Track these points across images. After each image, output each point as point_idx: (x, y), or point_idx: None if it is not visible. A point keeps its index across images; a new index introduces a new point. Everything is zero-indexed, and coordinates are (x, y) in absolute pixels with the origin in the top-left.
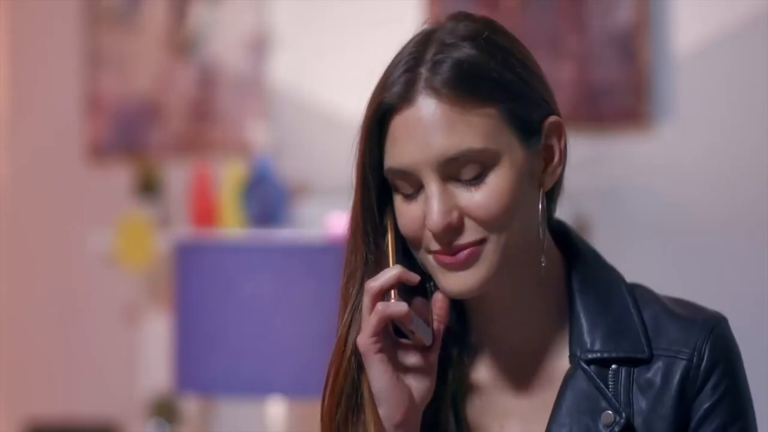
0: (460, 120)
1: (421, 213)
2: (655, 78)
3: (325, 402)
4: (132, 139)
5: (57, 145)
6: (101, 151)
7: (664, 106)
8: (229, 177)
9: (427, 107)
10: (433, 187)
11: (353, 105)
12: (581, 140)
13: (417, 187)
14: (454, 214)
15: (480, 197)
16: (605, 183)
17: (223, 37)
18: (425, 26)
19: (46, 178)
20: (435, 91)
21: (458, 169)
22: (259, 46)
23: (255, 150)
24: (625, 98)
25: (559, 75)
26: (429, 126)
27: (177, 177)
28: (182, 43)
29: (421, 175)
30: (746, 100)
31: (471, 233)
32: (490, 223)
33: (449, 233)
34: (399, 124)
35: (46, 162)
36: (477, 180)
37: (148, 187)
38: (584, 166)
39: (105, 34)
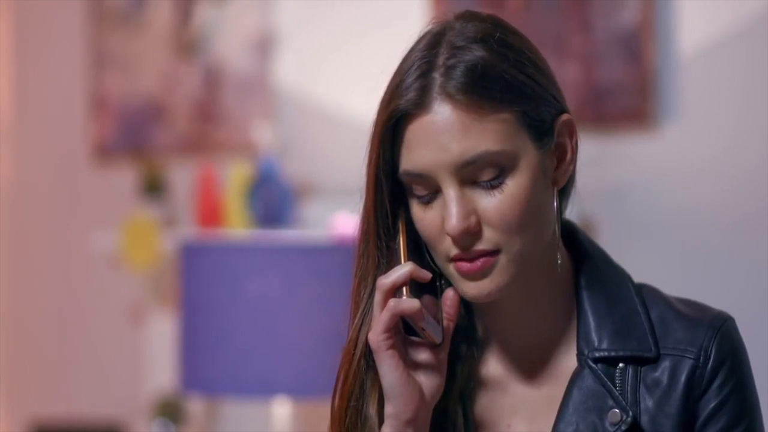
0: (475, 125)
1: (438, 218)
2: (660, 78)
3: (335, 404)
4: (137, 139)
5: (62, 146)
6: (106, 152)
7: (669, 106)
8: (234, 177)
9: (442, 113)
10: (451, 192)
11: (358, 105)
12: (586, 140)
13: (433, 190)
14: (473, 219)
15: (498, 202)
16: (610, 183)
17: (228, 38)
18: (432, 26)
19: (51, 179)
20: (450, 97)
21: (475, 172)
22: (264, 46)
23: (260, 150)
24: (630, 98)
25: (563, 75)
26: (445, 131)
27: (182, 177)
28: (187, 43)
29: (438, 179)
30: (751, 100)
31: (488, 240)
32: (508, 229)
33: (467, 237)
34: (415, 130)
35: (51, 162)
36: (495, 182)
37: (153, 188)
38: (589, 166)
39: (110, 35)
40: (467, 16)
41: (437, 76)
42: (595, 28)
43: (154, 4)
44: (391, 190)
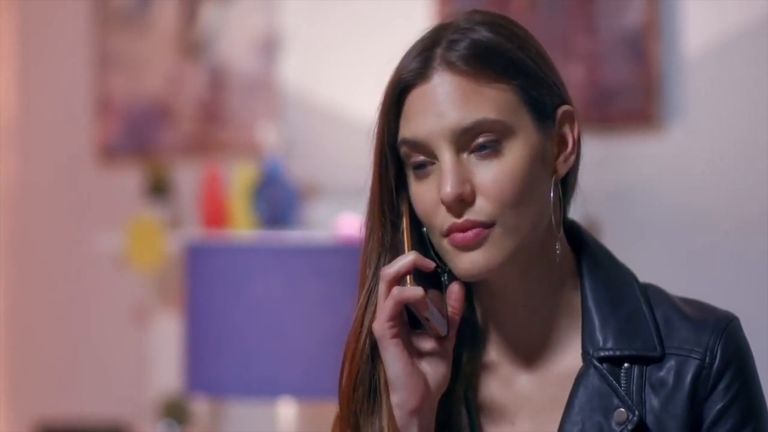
0: (475, 92)
1: (434, 190)
2: (665, 79)
3: (343, 383)
4: (142, 140)
5: (67, 147)
6: (111, 153)
7: (674, 107)
8: (239, 178)
9: (442, 82)
10: (446, 158)
11: (363, 105)
12: (590, 141)
13: (430, 161)
14: (467, 187)
15: (494, 173)
16: (615, 184)
17: (233, 38)
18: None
19: (56, 179)
20: (450, 66)
21: (472, 140)
22: (269, 46)
23: (265, 151)
24: (635, 99)
25: (568, 76)
26: (444, 99)
27: (187, 178)
28: (192, 44)
29: (435, 148)
30: (756, 101)
31: (481, 211)
32: (502, 201)
33: (461, 204)
34: (415, 99)
35: (55, 163)
36: (491, 152)
37: (158, 188)
38: (594, 167)
39: (115, 36)
40: (475, 12)
41: (440, 50)
42: (600, 29)
43: (158, 5)
44: (396, 169)
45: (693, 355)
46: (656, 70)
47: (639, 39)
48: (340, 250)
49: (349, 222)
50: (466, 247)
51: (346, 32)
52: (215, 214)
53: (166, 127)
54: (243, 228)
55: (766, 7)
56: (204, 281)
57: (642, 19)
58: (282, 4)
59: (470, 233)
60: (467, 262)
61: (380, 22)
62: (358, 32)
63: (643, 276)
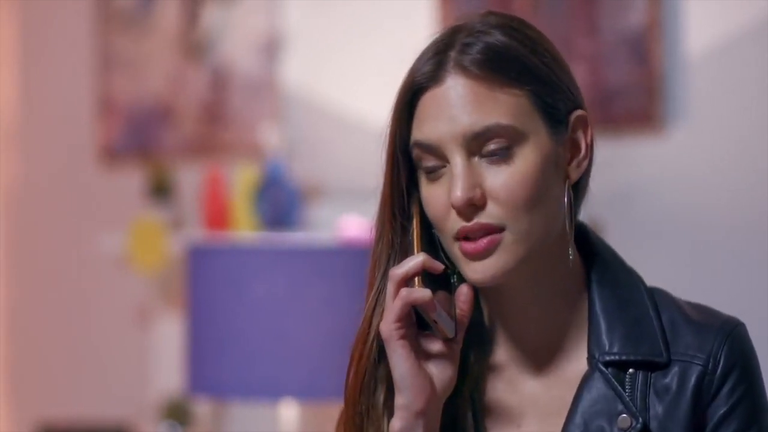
0: (487, 96)
1: (445, 193)
2: (667, 80)
3: (349, 385)
4: (144, 141)
5: (69, 148)
6: (113, 154)
7: (677, 108)
8: (241, 179)
9: (455, 85)
10: (458, 162)
11: (366, 106)
12: None
13: (442, 164)
14: (478, 191)
15: (505, 177)
16: (617, 184)
17: (235, 39)
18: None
19: (59, 181)
20: (463, 70)
21: (484, 144)
22: (271, 47)
23: (267, 152)
24: (637, 100)
25: None
26: (457, 102)
27: (189, 179)
28: (194, 45)
29: (446, 151)
30: (758, 101)
31: (492, 214)
32: (514, 206)
33: (471, 208)
34: (427, 102)
35: (58, 164)
36: (503, 158)
37: (161, 190)
38: (596, 168)
39: (117, 36)
40: (488, 14)
41: (453, 53)
42: (602, 30)
43: (161, 6)
44: (408, 172)
45: (696, 361)
46: (658, 70)
47: (641, 40)
48: (343, 251)
49: (351, 223)
50: (478, 256)
51: (348, 33)
52: (217, 216)
53: (168, 128)
54: (245, 229)
55: (767, 7)
56: (206, 282)
57: (644, 20)
58: (284, 4)
59: (482, 243)
60: (479, 271)
61: (382, 22)
62: (360, 33)
63: (646, 276)
